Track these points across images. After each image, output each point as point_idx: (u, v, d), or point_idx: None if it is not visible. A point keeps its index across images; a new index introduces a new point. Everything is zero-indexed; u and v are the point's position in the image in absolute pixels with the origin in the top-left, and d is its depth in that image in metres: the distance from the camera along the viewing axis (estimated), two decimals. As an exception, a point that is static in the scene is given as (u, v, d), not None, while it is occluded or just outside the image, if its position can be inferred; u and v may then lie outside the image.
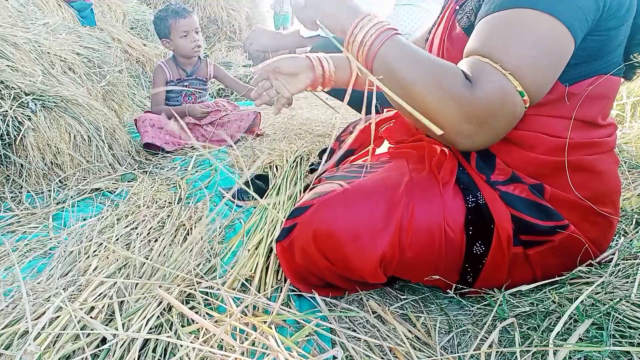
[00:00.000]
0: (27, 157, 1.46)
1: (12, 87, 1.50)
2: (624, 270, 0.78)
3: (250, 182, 1.41)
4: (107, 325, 0.73)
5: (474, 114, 0.63)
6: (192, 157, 1.87)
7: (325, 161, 1.41)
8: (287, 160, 1.51)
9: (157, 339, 0.70)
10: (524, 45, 0.62)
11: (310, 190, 0.81)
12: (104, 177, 1.60)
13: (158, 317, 0.74)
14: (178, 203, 1.34)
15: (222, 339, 0.65)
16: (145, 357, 0.68)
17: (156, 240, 1.10)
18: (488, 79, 0.63)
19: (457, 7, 0.82)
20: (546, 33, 0.62)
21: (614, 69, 0.72)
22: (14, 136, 1.44)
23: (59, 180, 1.50)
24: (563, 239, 0.74)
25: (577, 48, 0.66)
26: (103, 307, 0.76)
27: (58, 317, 0.72)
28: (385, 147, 1.00)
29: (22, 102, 1.49)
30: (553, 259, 0.76)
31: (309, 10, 0.80)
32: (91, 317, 0.72)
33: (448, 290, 0.82)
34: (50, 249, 1.11)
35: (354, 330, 0.77)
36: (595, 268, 0.79)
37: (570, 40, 0.64)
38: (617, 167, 0.79)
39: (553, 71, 0.65)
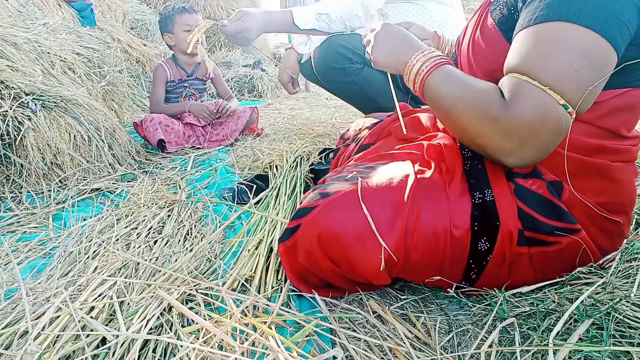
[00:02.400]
0: (27, 157, 1.46)
1: (12, 87, 1.50)
2: (624, 271, 0.78)
3: (250, 182, 1.41)
4: (107, 325, 0.73)
5: (513, 133, 0.64)
6: (192, 157, 1.87)
7: (327, 161, 1.41)
8: (287, 160, 1.51)
9: (157, 340, 0.70)
10: (564, 59, 0.62)
11: (315, 190, 0.81)
12: (104, 177, 1.60)
13: (158, 317, 0.74)
14: (178, 203, 1.34)
15: (222, 340, 0.65)
16: (145, 357, 0.68)
17: (156, 242, 1.10)
18: (525, 96, 0.63)
19: (491, 2, 0.82)
20: (588, 47, 0.61)
21: None
22: (14, 136, 1.44)
23: (59, 180, 1.50)
24: (571, 243, 0.74)
25: None
26: (103, 307, 0.76)
27: (58, 317, 0.72)
28: (392, 144, 0.99)
29: (22, 102, 1.49)
30: (556, 261, 0.76)
31: (377, 50, 0.90)
32: (91, 317, 0.72)
33: (449, 289, 0.82)
34: (50, 249, 1.11)
35: (354, 330, 0.77)
36: (595, 268, 0.79)
37: (613, 54, 0.63)
38: (635, 178, 0.79)
39: (595, 79, 0.63)
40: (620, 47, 0.63)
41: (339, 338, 0.73)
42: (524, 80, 0.64)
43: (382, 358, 0.71)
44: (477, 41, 0.82)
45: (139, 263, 0.94)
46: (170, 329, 0.73)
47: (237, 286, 0.88)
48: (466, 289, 0.82)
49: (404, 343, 0.72)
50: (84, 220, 1.24)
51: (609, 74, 0.64)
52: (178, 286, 0.81)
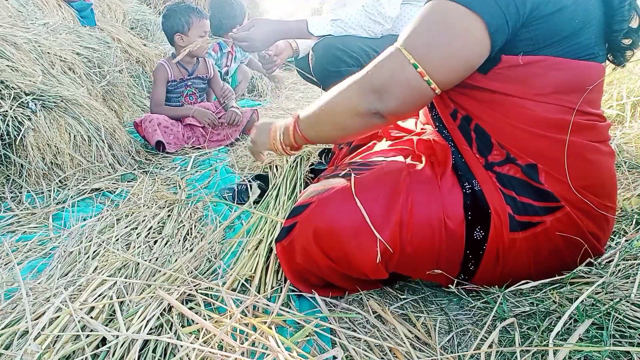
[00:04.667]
0: (27, 157, 1.46)
1: (12, 87, 1.50)
2: (624, 271, 0.78)
3: (250, 182, 1.41)
4: (107, 325, 0.73)
5: (369, 85, 0.74)
6: (192, 158, 1.87)
7: (326, 161, 1.41)
8: (287, 160, 1.51)
9: (157, 340, 0.70)
10: (421, 27, 0.71)
11: (309, 188, 0.81)
12: (104, 177, 1.60)
13: (158, 317, 0.74)
14: (178, 203, 1.34)
15: (222, 340, 0.65)
16: (145, 357, 0.68)
17: (156, 242, 1.10)
18: (384, 54, 0.73)
19: None
20: (448, 16, 0.68)
21: (582, 53, 0.72)
22: (14, 136, 1.44)
23: (59, 180, 1.50)
24: (555, 220, 0.74)
25: (521, 39, 0.70)
26: (103, 307, 0.76)
27: (58, 317, 0.72)
28: (384, 143, 1.00)
29: (22, 102, 1.49)
30: (549, 243, 0.76)
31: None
32: (91, 318, 0.72)
33: (449, 285, 0.82)
34: (50, 249, 1.11)
35: (354, 330, 0.77)
36: (595, 268, 0.79)
37: (476, 20, 0.67)
38: (613, 160, 0.79)
39: (453, 49, 0.69)
40: (489, 15, 0.66)
41: (339, 338, 0.73)
42: (392, 47, 0.73)
43: (382, 358, 0.71)
44: None
45: (138, 263, 0.94)
46: (170, 329, 0.73)
47: (237, 286, 0.88)
48: (466, 285, 0.82)
49: (404, 343, 0.72)
50: (84, 220, 1.24)
51: (469, 41, 0.69)
52: (178, 286, 0.81)
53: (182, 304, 0.78)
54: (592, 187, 0.75)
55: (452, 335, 0.76)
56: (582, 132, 0.74)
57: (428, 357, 0.70)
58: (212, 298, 0.80)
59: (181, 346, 0.65)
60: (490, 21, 0.67)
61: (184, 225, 1.18)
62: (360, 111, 0.76)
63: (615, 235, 0.95)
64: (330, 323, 0.76)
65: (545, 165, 0.74)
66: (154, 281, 0.86)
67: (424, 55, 0.69)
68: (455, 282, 0.81)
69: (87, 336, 0.69)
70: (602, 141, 0.77)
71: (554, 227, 0.74)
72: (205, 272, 0.94)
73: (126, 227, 1.16)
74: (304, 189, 1.29)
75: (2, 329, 0.73)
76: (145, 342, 0.70)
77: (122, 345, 0.67)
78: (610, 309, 0.67)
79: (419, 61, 0.69)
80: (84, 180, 1.54)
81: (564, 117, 0.73)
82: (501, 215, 0.74)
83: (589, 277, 0.77)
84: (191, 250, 1.04)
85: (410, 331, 0.76)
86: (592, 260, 0.80)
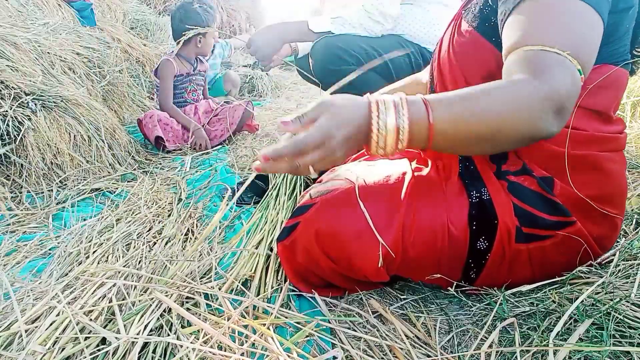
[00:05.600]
0: (27, 157, 1.46)
1: (12, 87, 1.49)
2: (624, 271, 0.78)
3: (250, 182, 1.41)
4: (107, 326, 0.73)
5: (557, 102, 0.56)
6: (190, 157, 1.87)
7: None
8: (287, 160, 1.50)
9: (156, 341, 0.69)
10: (571, 25, 0.60)
11: (312, 188, 0.81)
12: (104, 177, 1.60)
13: (158, 318, 0.74)
14: (178, 203, 1.34)
15: (222, 342, 0.65)
16: (145, 357, 0.68)
17: (156, 243, 1.10)
18: (553, 64, 0.57)
19: (463, 11, 0.83)
20: (582, 11, 0.61)
21: (619, 59, 0.71)
22: (14, 136, 1.44)
23: (59, 180, 1.50)
24: (566, 235, 0.74)
25: None
26: (102, 309, 0.76)
27: (57, 318, 0.72)
28: None
29: (22, 102, 1.49)
30: (554, 256, 0.76)
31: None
32: (90, 320, 0.72)
33: (449, 288, 0.82)
34: (50, 249, 1.11)
35: (354, 330, 0.77)
36: (595, 268, 0.79)
37: (600, 20, 0.62)
38: (625, 168, 0.79)
39: (596, 48, 0.62)
40: (604, 13, 0.63)
41: (339, 338, 0.73)
42: (541, 50, 0.58)
43: (382, 358, 0.71)
44: (458, 42, 0.82)
45: (139, 262, 0.94)
46: (170, 329, 0.73)
47: (237, 287, 0.87)
48: (466, 288, 0.82)
49: (404, 343, 0.72)
50: (84, 220, 1.24)
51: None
52: (177, 287, 0.81)
53: (182, 304, 0.78)
54: (606, 197, 0.75)
55: (452, 335, 0.76)
56: (604, 143, 0.74)
57: (428, 357, 0.70)
58: (212, 298, 0.80)
59: (181, 346, 0.65)
60: (604, 19, 0.62)
61: (184, 225, 1.18)
62: (535, 134, 0.58)
63: (615, 235, 0.95)
64: (330, 323, 0.76)
65: (561, 178, 0.73)
66: (154, 282, 0.85)
67: (586, 60, 0.59)
68: (455, 284, 0.81)
69: (86, 338, 0.69)
70: (620, 151, 0.77)
71: (562, 241, 0.74)
72: (205, 273, 0.94)
73: (126, 227, 1.16)
74: (304, 189, 1.30)
75: (2, 330, 0.73)
76: (146, 343, 0.70)
77: (122, 347, 0.67)
78: (610, 309, 0.67)
79: (583, 66, 0.59)
80: (84, 180, 1.54)
81: (594, 133, 0.72)
82: (510, 226, 0.73)
83: (589, 277, 0.77)
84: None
85: (410, 331, 0.76)
86: (592, 262, 0.80)
